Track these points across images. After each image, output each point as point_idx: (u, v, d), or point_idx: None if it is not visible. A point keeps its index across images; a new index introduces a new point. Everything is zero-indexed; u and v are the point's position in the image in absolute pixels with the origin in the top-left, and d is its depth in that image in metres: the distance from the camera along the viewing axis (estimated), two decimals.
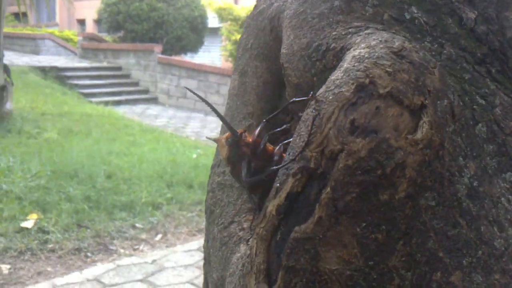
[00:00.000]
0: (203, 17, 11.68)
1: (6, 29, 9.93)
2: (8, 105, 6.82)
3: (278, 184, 0.46)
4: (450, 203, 0.46)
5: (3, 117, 6.67)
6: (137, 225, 4.57)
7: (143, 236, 4.44)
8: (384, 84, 0.45)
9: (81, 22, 19.05)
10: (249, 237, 0.58)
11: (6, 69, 6.93)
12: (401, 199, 0.44)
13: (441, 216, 0.46)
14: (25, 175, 4.81)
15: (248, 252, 0.52)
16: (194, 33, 11.23)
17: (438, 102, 0.47)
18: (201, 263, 4.10)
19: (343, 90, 0.45)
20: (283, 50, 0.59)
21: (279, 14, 0.65)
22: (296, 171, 0.45)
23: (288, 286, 0.45)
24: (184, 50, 10.87)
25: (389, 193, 0.44)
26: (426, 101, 0.46)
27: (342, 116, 0.44)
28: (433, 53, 0.55)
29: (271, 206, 0.47)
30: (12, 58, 10.93)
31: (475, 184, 0.48)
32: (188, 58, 11.85)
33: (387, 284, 0.44)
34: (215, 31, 12.14)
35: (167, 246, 4.33)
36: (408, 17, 0.58)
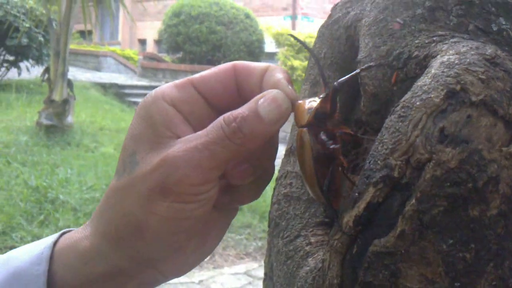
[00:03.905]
0: (260, 42, 11.81)
1: (72, 46, 10.32)
2: (69, 119, 7.05)
3: (356, 194, 0.44)
4: None
5: (64, 129, 6.90)
6: None
7: None
8: (476, 92, 0.42)
9: (142, 42, 19.61)
10: (317, 252, 0.55)
11: (69, 83, 7.19)
12: (493, 217, 0.40)
13: None
14: (81, 187, 4.92)
15: (320, 265, 0.49)
16: (251, 57, 11.36)
17: None
18: (248, 287, 4.06)
19: (432, 96, 0.42)
20: (360, 59, 0.57)
21: (356, 23, 0.62)
22: (378, 180, 0.42)
23: None
24: None
25: (479, 209, 0.40)
26: None
27: (431, 123, 0.41)
28: None
29: (348, 217, 0.44)
30: (75, 73, 11.33)
31: None
32: None
33: None
34: (271, 56, 12.25)
35: (214, 268, 4.32)
36: (495, 28, 0.54)
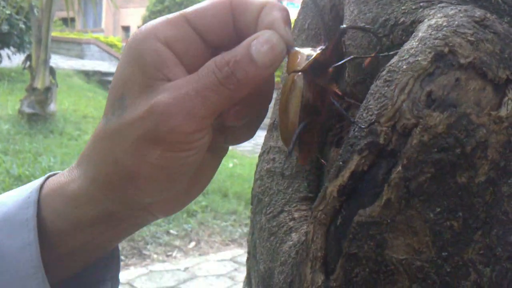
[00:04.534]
0: None
1: (54, 33, 10.17)
2: (52, 107, 6.97)
3: (340, 162, 0.42)
4: None
5: (47, 118, 6.81)
6: (171, 231, 4.56)
7: (177, 242, 4.43)
8: (465, 54, 0.40)
9: (126, 29, 19.42)
10: (300, 227, 0.53)
11: (51, 71, 7.09)
12: (481, 184, 0.39)
13: None
14: None
15: (303, 239, 0.47)
16: None
17: None
18: (234, 273, 4.07)
19: (419, 59, 0.40)
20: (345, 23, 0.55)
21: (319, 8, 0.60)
22: (362, 147, 0.40)
23: (348, 276, 0.41)
24: None
25: (468, 176, 0.39)
26: None
27: (418, 88, 0.40)
28: None
29: (332, 186, 0.42)
30: (58, 61, 11.19)
31: None
32: None
33: (462, 279, 0.39)
34: None
35: (200, 254, 4.31)
36: None
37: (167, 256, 4.27)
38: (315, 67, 0.43)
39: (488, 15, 0.44)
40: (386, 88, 0.41)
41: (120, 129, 0.41)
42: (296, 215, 0.55)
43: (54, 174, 0.47)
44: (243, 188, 5.40)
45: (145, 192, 0.42)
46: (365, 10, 0.53)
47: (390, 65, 0.42)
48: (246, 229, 4.67)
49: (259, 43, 0.40)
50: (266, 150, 0.64)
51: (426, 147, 0.38)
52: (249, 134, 0.46)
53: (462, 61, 0.40)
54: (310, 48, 0.44)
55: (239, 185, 5.50)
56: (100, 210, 0.43)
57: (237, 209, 5.07)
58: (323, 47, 0.43)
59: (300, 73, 0.43)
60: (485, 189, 0.39)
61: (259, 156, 0.66)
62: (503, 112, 0.39)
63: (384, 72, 0.42)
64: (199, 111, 0.39)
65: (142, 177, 0.41)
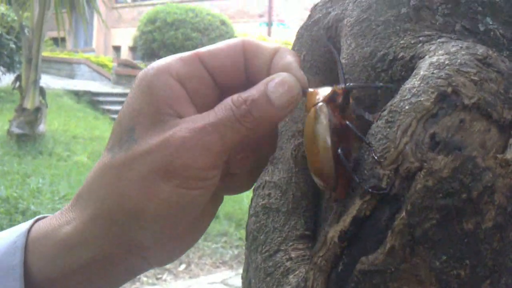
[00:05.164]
0: None
1: (45, 53, 10.16)
2: (42, 127, 6.93)
3: (342, 206, 0.40)
4: None
5: (36, 138, 6.76)
6: None
7: (167, 265, 4.37)
8: (469, 94, 0.39)
9: (117, 49, 19.46)
10: (298, 268, 0.51)
11: (41, 91, 7.07)
12: (488, 230, 0.37)
13: None
14: (54, 197, 4.82)
15: (302, 285, 0.45)
16: None
17: None
18: None
19: (422, 99, 0.39)
20: (342, 61, 0.54)
21: (337, 23, 0.59)
22: (364, 192, 0.39)
23: None
24: None
25: (474, 222, 0.37)
26: None
27: (421, 129, 0.38)
28: None
29: (333, 231, 0.40)
30: (48, 81, 11.16)
31: None
32: None
33: None
34: None
35: (190, 277, 4.26)
36: (482, 28, 0.52)
37: (157, 279, 4.22)
38: (334, 99, 0.43)
39: (490, 52, 0.43)
40: (388, 130, 0.39)
41: (129, 162, 0.39)
42: (293, 254, 0.53)
43: (43, 217, 0.44)
44: (234, 209, 5.37)
45: (148, 231, 0.40)
46: (363, 43, 0.52)
47: (391, 105, 0.41)
48: (237, 251, 4.63)
49: (277, 84, 0.40)
50: (261, 185, 0.62)
51: (430, 192, 0.37)
52: (249, 184, 0.46)
53: (466, 101, 0.38)
54: (325, 88, 0.44)
55: (230, 206, 5.46)
56: (95, 254, 0.41)
57: (228, 230, 5.02)
58: (341, 85, 0.43)
59: (320, 104, 0.43)
60: (492, 235, 0.37)
61: (254, 190, 0.65)
62: (509, 154, 0.38)
63: (385, 112, 0.41)
64: (215, 147, 0.38)
65: (148, 214, 0.39)
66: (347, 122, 0.42)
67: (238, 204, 5.42)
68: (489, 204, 0.37)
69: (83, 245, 0.41)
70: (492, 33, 0.51)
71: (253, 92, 0.40)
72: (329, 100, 0.43)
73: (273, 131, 0.45)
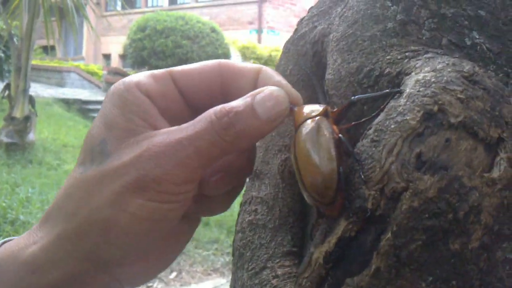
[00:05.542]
0: (226, 55, 11.82)
1: (34, 61, 10.11)
2: (31, 136, 6.88)
3: (327, 227, 0.39)
4: None
5: (26, 147, 6.72)
6: None
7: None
8: (455, 113, 0.38)
9: (107, 57, 19.42)
10: (284, 286, 0.50)
11: (31, 100, 7.03)
12: (474, 250, 0.37)
13: None
14: (43, 207, 4.78)
15: None
16: None
17: None
18: None
19: (408, 118, 0.38)
20: (328, 76, 0.53)
21: (323, 38, 0.59)
22: (349, 213, 0.38)
23: None
24: None
25: (461, 242, 0.36)
26: (504, 134, 0.39)
27: (407, 149, 0.38)
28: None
29: (318, 252, 0.40)
30: (37, 89, 11.12)
31: None
32: None
33: None
34: None
35: (181, 285, 4.24)
36: (469, 42, 0.51)
37: (148, 287, 4.19)
38: (328, 115, 0.42)
39: (477, 69, 0.43)
40: (373, 149, 0.39)
41: (101, 177, 0.38)
42: (279, 272, 0.53)
43: (10, 240, 0.42)
44: (225, 215, 5.35)
45: (117, 247, 0.38)
46: (349, 59, 0.52)
47: (377, 124, 0.40)
48: (228, 258, 4.61)
49: (265, 97, 0.38)
50: (247, 201, 0.61)
51: (416, 212, 0.36)
52: (225, 206, 0.44)
53: (452, 120, 0.38)
54: (310, 105, 0.43)
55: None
56: (63, 273, 0.39)
57: (219, 237, 5.01)
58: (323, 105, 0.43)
59: (318, 117, 0.42)
60: (479, 255, 0.37)
61: (241, 206, 0.64)
62: (495, 173, 0.38)
63: (370, 131, 0.40)
64: (191, 161, 0.37)
65: (118, 229, 0.37)
66: (340, 136, 0.41)
67: (230, 210, 5.39)
68: (476, 224, 0.37)
69: (50, 264, 0.39)
70: (478, 47, 0.51)
71: (238, 103, 0.38)
72: (325, 114, 0.42)
73: (251, 151, 0.43)
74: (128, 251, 0.39)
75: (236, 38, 12.15)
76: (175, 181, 0.37)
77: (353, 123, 0.45)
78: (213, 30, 12.45)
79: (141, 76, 0.41)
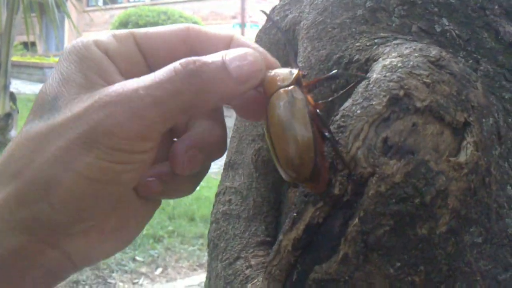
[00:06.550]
0: None
1: (15, 58, 9.99)
2: (13, 133, 6.80)
3: (295, 213, 0.39)
4: (499, 240, 0.39)
5: (7, 144, 6.64)
6: (137, 258, 4.46)
7: (143, 269, 4.33)
8: (421, 97, 0.38)
9: None
10: (257, 276, 0.50)
11: (12, 97, 6.95)
12: (442, 234, 0.37)
13: (489, 256, 0.38)
14: None
15: None
16: None
17: (483, 120, 0.40)
18: None
19: (374, 103, 0.38)
20: (298, 64, 0.53)
21: (295, 26, 0.58)
22: (317, 199, 0.38)
23: None
24: None
25: (428, 227, 0.36)
26: (471, 118, 0.39)
27: (373, 134, 0.37)
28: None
29: (286, 240, 0.39)
30: (19, 86, 10.98)
31: None
32: None
33: None
34: None
35: (167, 281, 4.22)
36: (438, 29, 0.51)
37: (133, 284, 4.17)
38: (301, 82, 0.39)
39: (444, 53, 0.43)
40: (340, 135, 0.39)
41: (46, 132, 0.33)
42: (253, 262, 0.52)
43: None
44: (210, 211, 5.34)
45: (63, 211, 0.33)
46: (319, 46, 0.51)
47: (343, 109, 0.40)
48: None
49: (238, 55, 0.35)
50: (222, 191, 0.61)
51: (383, 198, 0.36)
52: (191, 188, 0.40)
53: (418, 104, 0.38)
54: (283, 68, 0.40)
55: (206, 208, 5.42)
56: (4, 248, 0.34)
57: (204, 232, 4.99)
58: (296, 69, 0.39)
59: (291, 86, 0.38)
60: (446, 240, 0.37)
61: (215, 196, 0.63)
62: (462, 157, 0.38)
63: (337, 117, 0.40)
64: (148, 113, 0.33)
65: (62, 190, 0.32)
66: (317, 110, 0.38)
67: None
68: (443, 208, 0.37)
69: None
70: (448, 34, 0.51)
71: (207, 57, 0.35)
72: (297, 83, 0.38)
73: (223, 128, 0.39)
74: (76, 217, 0.34)
75: None
76: (129, 135, 0.32)
77: (329, 99, 0.44)
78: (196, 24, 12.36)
79: (102, 35, 0.37)
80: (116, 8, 16.00)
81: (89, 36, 0.37)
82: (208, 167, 0.40)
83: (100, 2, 15.37)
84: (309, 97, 0.38)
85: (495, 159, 0.40)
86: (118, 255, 4.33)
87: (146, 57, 0.38)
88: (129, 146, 0.33)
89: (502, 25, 0.53)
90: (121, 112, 0.32)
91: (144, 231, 4.29)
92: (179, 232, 4.95)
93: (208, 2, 15.80)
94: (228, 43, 0.38)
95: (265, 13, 0.48)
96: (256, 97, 0.39)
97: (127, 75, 0.36)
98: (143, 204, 0.39)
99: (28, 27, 6.94)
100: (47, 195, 0.33)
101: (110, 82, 0.35)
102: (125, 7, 15.11)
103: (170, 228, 4.93)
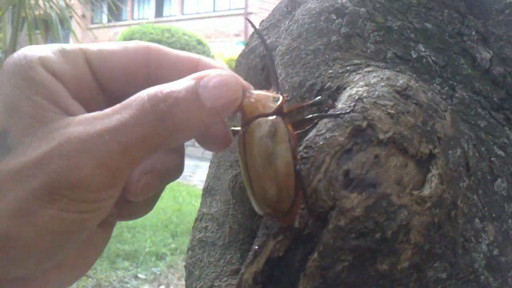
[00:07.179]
0: None
1: None
2: None
3: (256, 247, 0.38)
4: (465, 275, 0.38)
5: None
6: (139, 275, 4.44)
7: (146, 287, 4.30)
8: (385, 129, 0.37)
9: None
10: None
11: None
12: (404, 270, 0.36)
13: None
14: None
15: None
16: None
17: (450, 151, 0.39)
18: None
19: (336, 134, 0.38)
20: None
21: (271, 52, 0.58)
22: (277, 232, 0.37)
23: None
24: None
25: (389, 262, 0.36)
26: (436, 150, 0.38)
27: (334, 166, 0.37)
28: (444, 96, 0.48)
29: (247, 273, 0.38)
30: None
31: (495, 252, 0.40)
32: None
33: None
34: None
35: None
36: (414, 55, 0.51)
37: None
38: (281, 112, 0.36)
39: (412, 82, 0.42)
40: (302, 166, 0.38)
41: (1, 179, 0.29)
42: None
43: None
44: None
45: (23, 265, 0.31)
46: (292, 73, 0.51)
47: (307, 140, 0.39)
48: None
49: (212, 82, 0.31)
50: (199, 217, 0.60)
51: (343, 232, 0.35)
52: (147, 209, 0.38)
53: (381, 136, 0.37)
54: (264, 91, 0.37)
55: None
56: None
57: None
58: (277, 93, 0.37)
59: (274, 116, 0.35)
60: (408, 276, 0.36)
61: (194, 222, 0.63)
62: (426, 190, 0.37)
63: (301, 148, 0.39)
64: (115, 162, 0.29)
65: (22, 245, 0.30)
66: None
67: None
68: (405, 243, 0.36)
69: None
70: (424, 60, 0.51)
71: (178, 86, 0.31)
72: (279, 112, 0.35)
73: (180, 154, 0.36)
74: (37, 268, 0.32)
75: (222, 51, 12.17)
76: (94, 187, 0.29)
77: (306, 128, 0.41)
78: (199, 42, 12.46)
79: (47, 51, 0.32)
80: (120, 26, 16.13)
81: (32, 49, 0.32)
82: (163, 188, 0.37)
83: (104, 20, 15.49)
84: (290, 128, 0.36)
85: (463, 191, 0.39)
86: (120, 273, 4.31)
87: (99, 78, 0.34)
88: (94, 197, 0.30)
89: (479, 51, 0.53)
90: (85, 163, 0.29)
91: (147, 249, 4.27)
92: (182, 249, 4.93)
93: (212, 20, 15.93)
94: (192, 67, 0.35)
95: (252, 25, 0.45)
96: (220, 127, 0.36)
97: (78, 98, 0.33)
98: (100, 231, 0.37)
99: (32, 44, 6.99)
100: (5, 250, 0.30)
101: (63, 108, 0.31)
102: (129, 25, 15.23)
103: (172, 245, 4.91)
